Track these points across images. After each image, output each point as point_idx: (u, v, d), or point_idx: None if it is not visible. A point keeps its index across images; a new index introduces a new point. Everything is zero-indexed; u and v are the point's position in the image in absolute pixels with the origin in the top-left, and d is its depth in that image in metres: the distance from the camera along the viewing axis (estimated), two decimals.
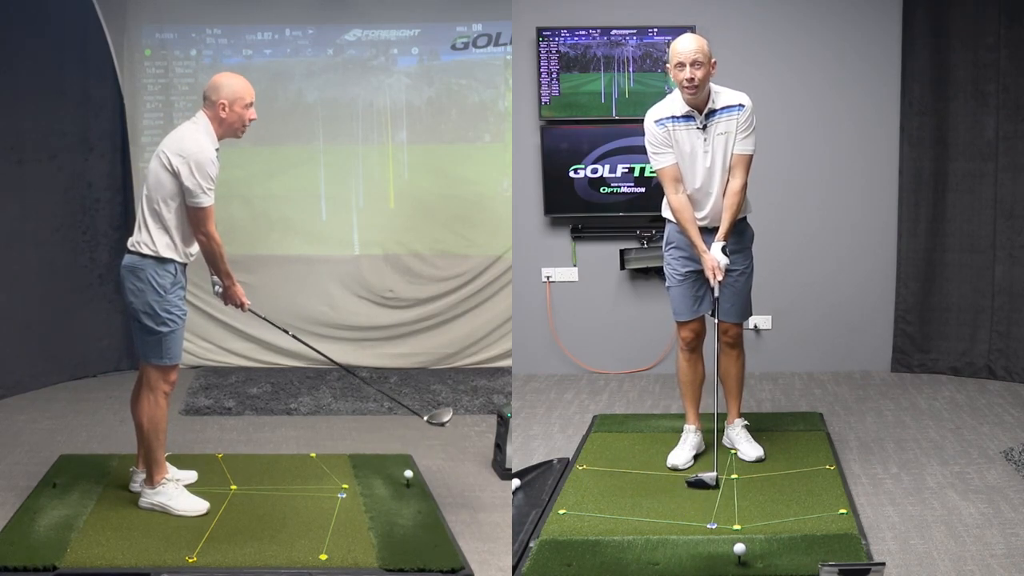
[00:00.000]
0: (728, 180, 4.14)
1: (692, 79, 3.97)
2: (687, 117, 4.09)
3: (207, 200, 3.72)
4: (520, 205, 6.10)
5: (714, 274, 4.12)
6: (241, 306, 4.05)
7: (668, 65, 4.07)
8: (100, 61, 5.84)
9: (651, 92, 5.76)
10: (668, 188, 4.19)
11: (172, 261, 3.77)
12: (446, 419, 4.27)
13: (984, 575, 3.32)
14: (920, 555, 3.49)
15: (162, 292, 3.75)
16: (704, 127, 4.09)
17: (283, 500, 4.02)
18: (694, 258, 4.24)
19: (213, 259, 3.86)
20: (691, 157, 4.14)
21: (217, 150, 3.80)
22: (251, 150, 6.06)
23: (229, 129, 3.81)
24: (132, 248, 3.78)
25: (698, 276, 4.27)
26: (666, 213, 4.31)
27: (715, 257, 4.11)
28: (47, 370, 5.76)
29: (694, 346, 4.40)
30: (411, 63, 6.27)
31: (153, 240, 3.74)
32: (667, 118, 4.11)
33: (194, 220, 3.74)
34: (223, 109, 3.76)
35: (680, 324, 4.37)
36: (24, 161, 5.57)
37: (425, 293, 6.34)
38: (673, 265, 4.32)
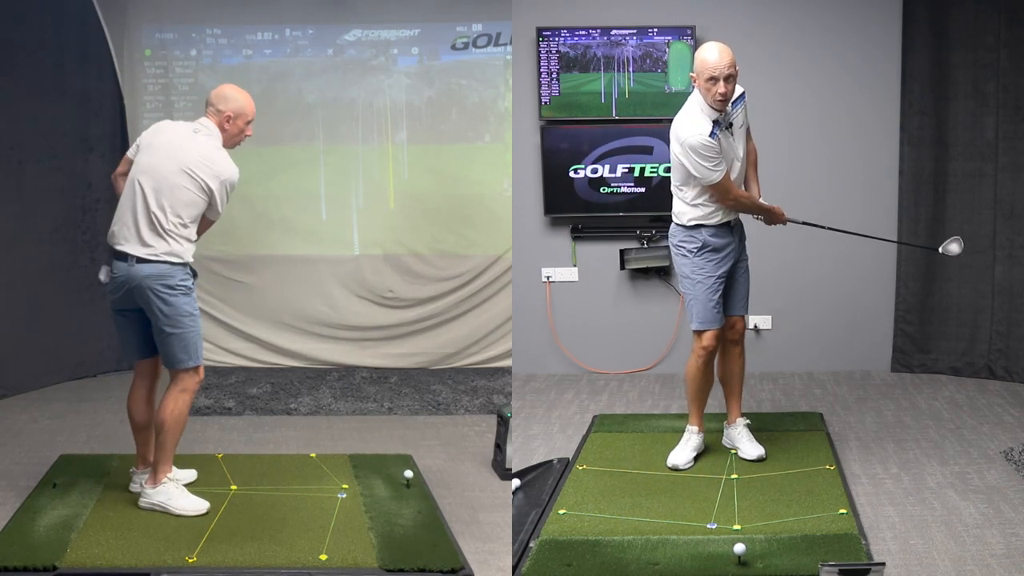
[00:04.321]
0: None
1: (725, 93, 3.97)
2: (718, 123, 4.07)
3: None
4: (520, 205, 6.10)
5: (782, 215, 4.31)
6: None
7: (693, 75, 4.04)
8: (100, 61, 5.84)
9: (651, 92, 5.77)
10: (732, 187, 4.14)
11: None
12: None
13: (984, 575, 3.32)
14: (920, 555, 3.49)
15: (189, 294, 3.87)
16: (729, 126, 4.12)
17: (283, 500, 4.02)
18: (726, 259, 4.23)
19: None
20: (731, 156, 4.16)
21: None
22: (251, 150, 5.95)
23: (228, 140, 3.93)
24: (156, 258, 3.75)
25: (723, 279, 4.27)
26: (684, 219, 4.22)
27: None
28: (47, 370, 5.76)
29: (715, 352, 4.33)
30: (411, 63, 6.26)
31: (183, 247, 3.82)
32: (713, 131, 4.03)
33: (205, 227, 3.94)
34: (228, 120, 3.87)
35: (705, 332, 4.24)
36: (24, 161, 5.56)
37: (425, 293, 6.34)
38: (707, 269, 4.21)
